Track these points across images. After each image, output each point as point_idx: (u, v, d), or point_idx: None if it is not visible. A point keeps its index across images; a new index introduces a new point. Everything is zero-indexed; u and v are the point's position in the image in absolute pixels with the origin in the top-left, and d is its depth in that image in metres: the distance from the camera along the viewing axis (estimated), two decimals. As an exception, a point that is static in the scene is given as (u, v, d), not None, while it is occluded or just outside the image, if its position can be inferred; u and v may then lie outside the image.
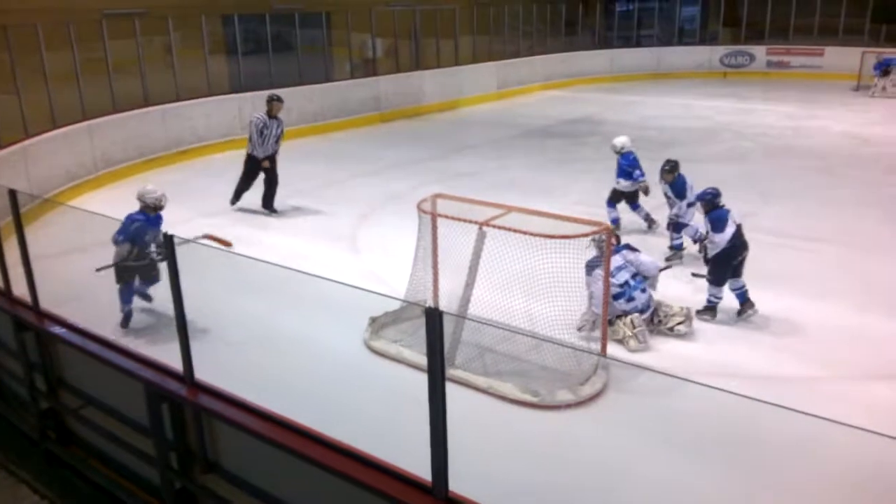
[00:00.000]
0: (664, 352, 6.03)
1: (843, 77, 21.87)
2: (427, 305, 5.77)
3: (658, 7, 27.81)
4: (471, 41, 20.63)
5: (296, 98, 14.81)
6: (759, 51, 24.96)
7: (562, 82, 23.40)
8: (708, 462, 4.63)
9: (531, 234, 5.24)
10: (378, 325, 6.34)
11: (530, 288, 5.64)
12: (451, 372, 5.41)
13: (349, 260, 8.32)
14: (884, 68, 19.85)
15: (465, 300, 5.81)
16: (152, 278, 6.56)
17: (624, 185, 8.72)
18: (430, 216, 6.09)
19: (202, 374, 4.30)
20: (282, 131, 9.95)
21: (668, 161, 8.02)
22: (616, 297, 6.15)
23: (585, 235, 5.54)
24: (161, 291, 6.29)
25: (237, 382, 4.27)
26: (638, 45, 26.61)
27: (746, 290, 6.58)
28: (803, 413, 2.54)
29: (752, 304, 6.56)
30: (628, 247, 6.49)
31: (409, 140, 15.33)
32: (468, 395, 5.37)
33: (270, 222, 9.78)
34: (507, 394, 5.35)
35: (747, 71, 24.91)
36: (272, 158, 9.90)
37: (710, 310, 6.60)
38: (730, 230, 6.49)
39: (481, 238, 5.69)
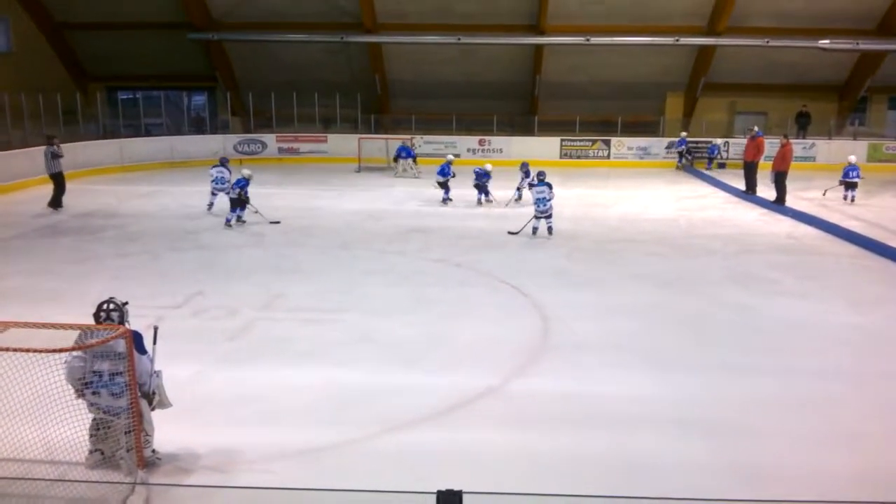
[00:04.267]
0: (202, 447, 5.75)
1: (347, 160, 24.62)
2: None
3: (164, 96, 27.70)
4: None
5: None
6: (270, 138, 26.64)
7: (67, 174, 21.46)
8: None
9: (35, 350, 4.54)
10: None
11: (44, 413, 4.91)
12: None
13: None
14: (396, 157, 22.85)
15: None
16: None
17: None
18: None
19: None
20: None
21: None
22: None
23: (103, 342, 5.01)
24: None
25: None
26: (148, 133, 26.03)
27: None
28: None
29: None
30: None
31: None
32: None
33: None
34: (26, 545, 4.49)
35: (262, 157, 26.25)
36: None
37: None
38: None
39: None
